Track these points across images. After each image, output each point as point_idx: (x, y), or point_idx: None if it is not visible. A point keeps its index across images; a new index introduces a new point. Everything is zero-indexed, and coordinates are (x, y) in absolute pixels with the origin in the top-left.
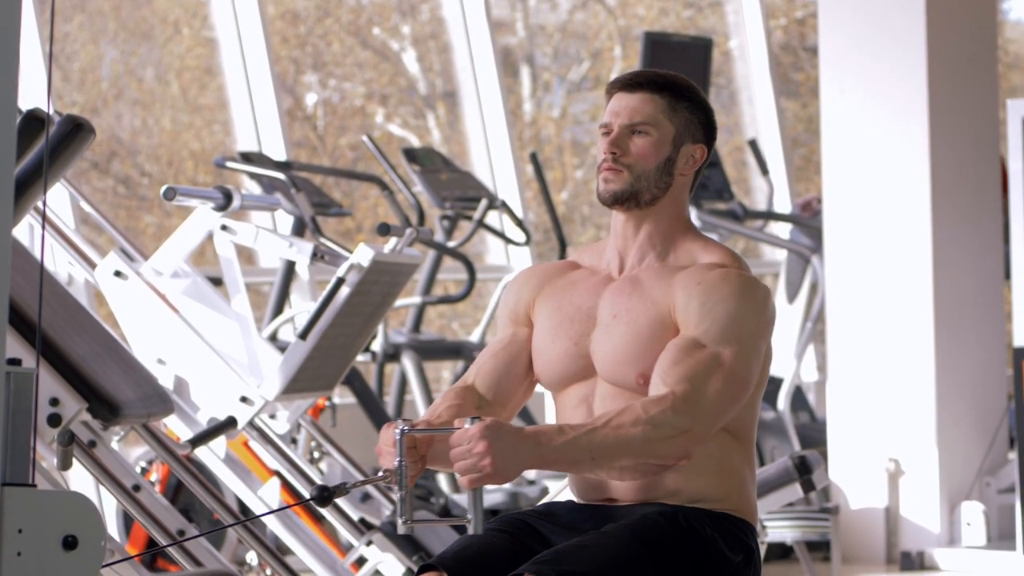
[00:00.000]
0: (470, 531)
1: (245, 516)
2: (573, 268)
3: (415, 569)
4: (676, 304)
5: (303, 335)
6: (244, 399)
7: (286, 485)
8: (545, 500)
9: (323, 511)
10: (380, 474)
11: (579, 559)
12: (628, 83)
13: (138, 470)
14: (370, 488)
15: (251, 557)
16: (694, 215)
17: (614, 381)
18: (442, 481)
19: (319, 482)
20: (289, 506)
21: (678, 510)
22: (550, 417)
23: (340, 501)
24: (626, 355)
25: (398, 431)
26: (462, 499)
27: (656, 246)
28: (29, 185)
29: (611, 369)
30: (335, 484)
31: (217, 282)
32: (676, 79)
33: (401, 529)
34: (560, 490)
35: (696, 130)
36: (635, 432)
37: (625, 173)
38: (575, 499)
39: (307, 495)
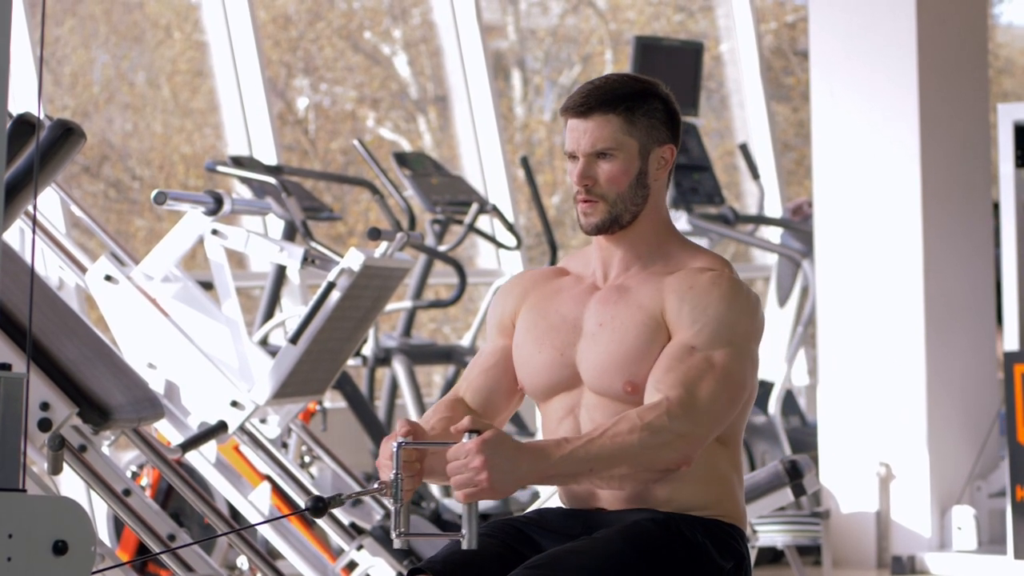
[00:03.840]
0: (464, 546)
1: (236, 521)
2: (561, 275)
3: (405, 574)
4: (667, 308)
5: (294, 339)
6: (235, 403)
7: (277, 490)
8: (536, 505)
9: None
10: (375, 486)
11: (570, 565)
12: (579, 108)
13: (128, 475)
14: None
15: (242, 562)
16: (684, 219)
17: (600, 391)
18: (433, 486)
19: (310, 488)
20: (284, 515)
21: (669, 516)
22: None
23: None
24: (612, 363)
25: (395, 444)
26: (453, 504)
27: (642, 255)
28: (20, 189)
29: (597, 378)
30: (330, 495)
31: (208, 286)
32: (624, 87)
33: (396, 543)
34: (550, 495)
35: (659, 131)
36: (632, 439)
37: (601, 203)
38: (564, 506)
39: (301, 503)
